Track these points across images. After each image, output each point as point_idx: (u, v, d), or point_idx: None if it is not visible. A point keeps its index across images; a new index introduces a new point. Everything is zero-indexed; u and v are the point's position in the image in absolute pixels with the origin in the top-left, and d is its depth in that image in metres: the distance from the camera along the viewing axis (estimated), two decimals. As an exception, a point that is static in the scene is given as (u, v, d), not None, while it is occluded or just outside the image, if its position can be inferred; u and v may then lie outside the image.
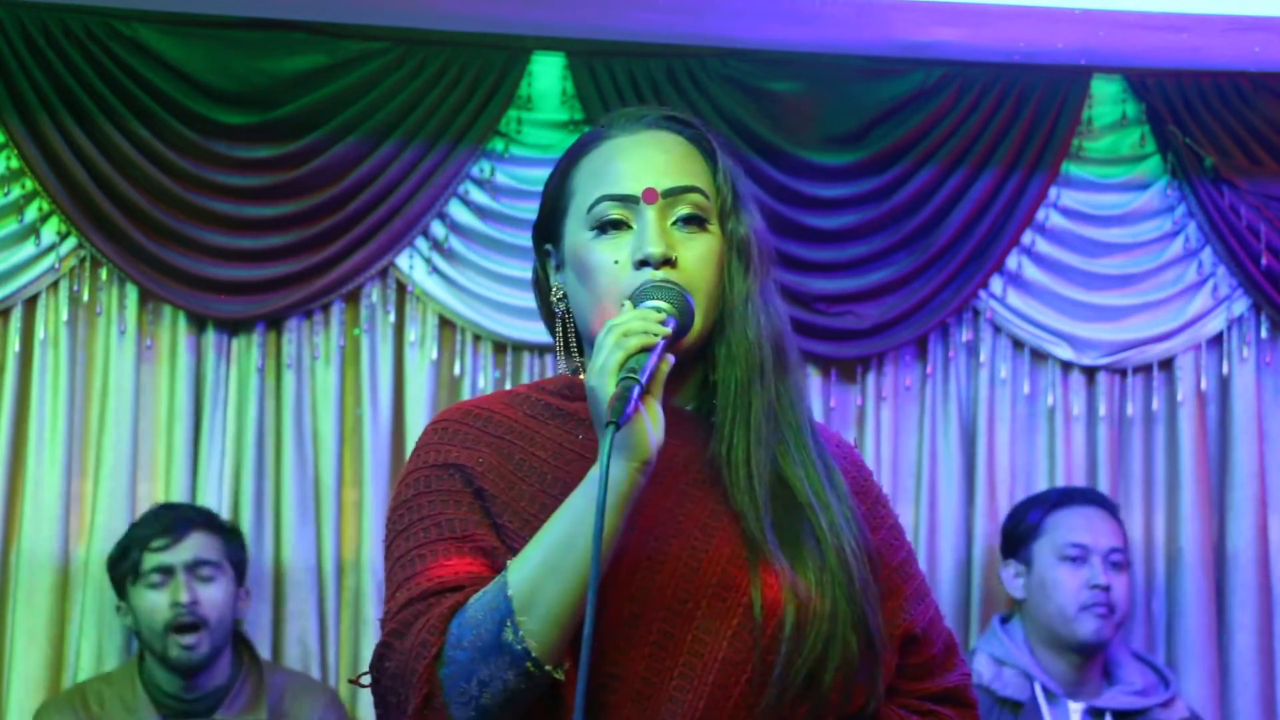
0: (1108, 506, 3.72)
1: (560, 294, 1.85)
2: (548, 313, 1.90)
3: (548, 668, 1.64)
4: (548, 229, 1.87)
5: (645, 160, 1.81)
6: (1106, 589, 3.58)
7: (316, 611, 3.78)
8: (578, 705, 1.57)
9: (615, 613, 1.69)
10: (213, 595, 3.48)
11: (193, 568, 3.48)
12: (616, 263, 1.77)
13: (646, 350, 1.64)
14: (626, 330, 1.65)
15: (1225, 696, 3.92)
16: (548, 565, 1.64)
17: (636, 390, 1.61)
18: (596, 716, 1.68)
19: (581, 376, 1.83)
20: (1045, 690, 3.57)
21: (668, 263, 1.75)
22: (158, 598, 3.47)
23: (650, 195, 1.78)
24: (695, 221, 1.79)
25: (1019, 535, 3.71)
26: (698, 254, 1.78)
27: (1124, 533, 3.72)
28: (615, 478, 1.63)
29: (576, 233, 1.81)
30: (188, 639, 3.44)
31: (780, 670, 1.68)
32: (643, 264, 1.75)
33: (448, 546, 1.72)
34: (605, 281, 1.77)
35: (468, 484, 1.76)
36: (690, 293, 1.74)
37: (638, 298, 1.72)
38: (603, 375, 1.63)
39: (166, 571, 3.48)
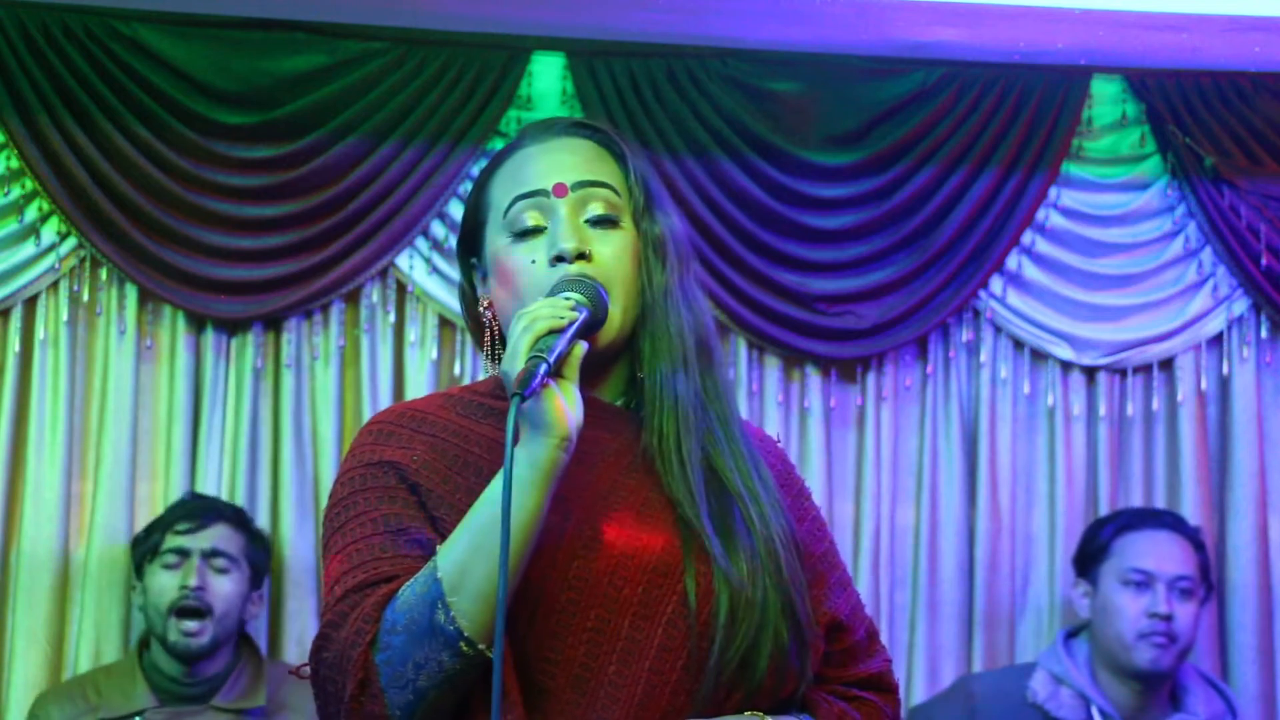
0: (1182, 530, 3.60)
1: (486, 303, 1.90)
2: (475, 325, 1.96)
3: (481, 647, 1.66)
4: (470, 243, 1.93)
5: (554, 161, 1.87)
6: (1167, 618, 3.47)
7: (316, 611, 3.78)
8: (495, 661, 1.59)
9: (552, 599, 1.72)
10: (223, 586, 3.51)
11: (209, 555, 3.51)
12: (534, 262, 1.82)
13: (555, 333, 1.69)
14: (534, 316, 1.70)
15: (1225, 696, 3.92)
16: (474, 546, 1.68)
17: (543, 367, 1.66)
18: (538, 702, 1.71)
19: None
20: (1103, 714, 3.48)
21: (582, 257, 1.81)
22: (168, 578, 3.50)
23: (560, 189, 1.84)
24: (607, 221, 1.85)
25: (1089, 554, 3.63)
26: (612, 250, 1.83)
27: (1199, 558, 3.59)
28: (535, 455, 1.68)
29: (495, 240, 1.87)
30: (190, 624, 3.46)
31: (715, 658, 1.72)
32: (558, 260, 1.81)
33: (383, 540, 1.75)
34: (524, 282, 1.82)
35: (402, 480, 1.79)
36: (605, 286, 1.80)
37: (553, 292, 1.77)
38: (512, 359, 1.68)
39: (183, 554, 3.51)
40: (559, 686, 1.71)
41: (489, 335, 1.90)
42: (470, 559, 1.67)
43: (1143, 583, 3.52)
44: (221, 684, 3.52)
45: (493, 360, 1.90)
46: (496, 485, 1.70)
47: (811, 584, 1.83)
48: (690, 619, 1.73)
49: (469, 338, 3.87)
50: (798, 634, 1.77)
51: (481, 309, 1.91)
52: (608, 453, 1.80)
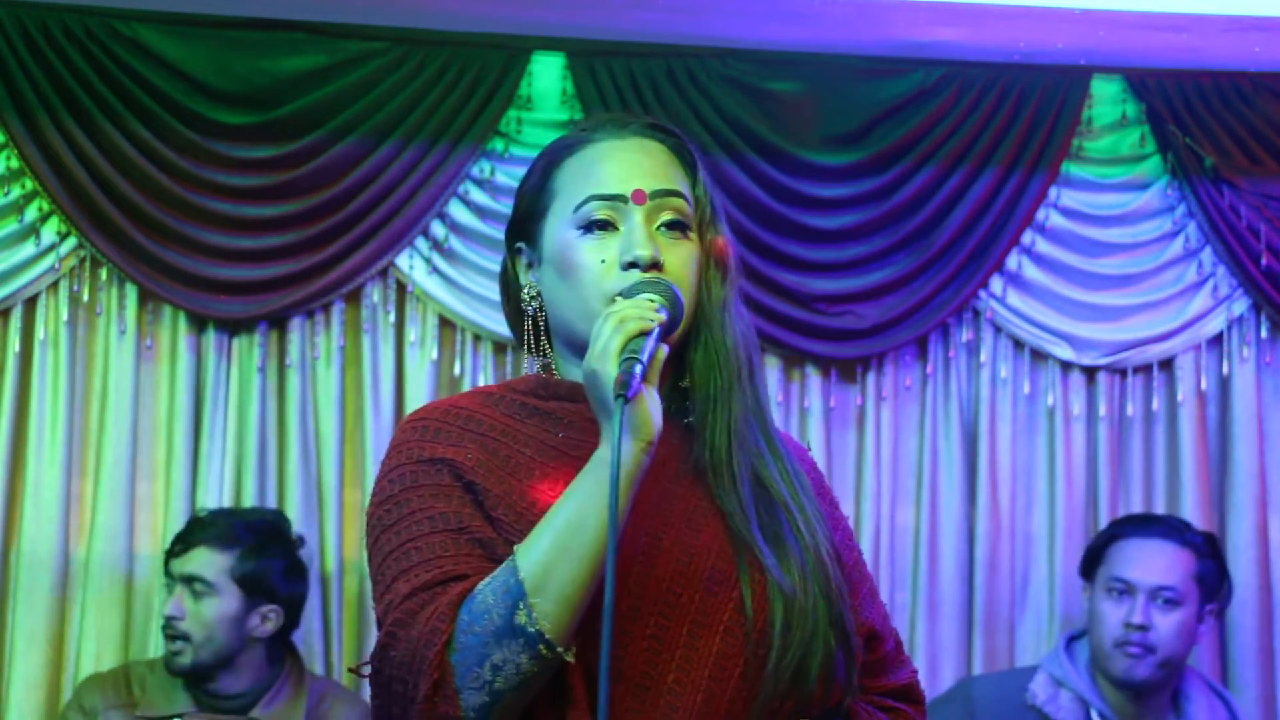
0: (1179, 538, 3.53)
1: (534, 292, 1.88)
2: (514, 311, 1.94)
3: (560, 649, 1.65)
4: (524, 228, 1.91)
5: (633, 163, 1.84)
6: (1142, 629, 3.43)
7: (320, 611, 3.78)
8: (603, 670, 1.58)
9: (614, 606, 1.70)
10: (202, 611, 3.41)
11: (188, 581, 3.44)
12: (603, 262, 1.80)
13: (644, 335, 1.68)
14: (624, 316, 1.69)
15: (1225, 696, 3.92)
16: (559, 547, 1.66)
17: (640, 369, 1.64)
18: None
19: (554, 375, 1.87)
20: (1102, 717, 3.46)
21: (655, 266, 1.79)
22: (167, 601, 3.48)
23: (639, 196, 1.82)
24: (679, 227, 1.83)
25: (1089, 559, 3.62)
26: (681, 259, 1.82)
27: (1199, 566, 3.52)
28: (623, 457, 1.66)
29: (560, 232, 1.84)
30: (173, 645, 3.43)
31: (772, 666, 1.72)
32: (631, 265, 1.79)
33: (444, 539, 1.73)
34: (590, 280, 1.80)
35: (457, 478, 1.76)
36: None
37: (629, 294, 1.75)
38: (604, 359, 1.66)
39: (172, 578, 3.49)
40: (620, 695, 1.70)
41: (529, 324, 1.88)
42: (554, 560, 1.65)
43: (1123, 591, 3.49)
44: (261, 695, 3.46)
45: (535, 352, 1.88)
46: (580, 484, 1.69)
47: (849, 593, 1.83)
48: (747, 627, 1.73)
49: (469, 337, 3.88)
50: (844, 643, 1.77)
51: (528, 297, 1.88)
52: (656, 459, 1.77)
